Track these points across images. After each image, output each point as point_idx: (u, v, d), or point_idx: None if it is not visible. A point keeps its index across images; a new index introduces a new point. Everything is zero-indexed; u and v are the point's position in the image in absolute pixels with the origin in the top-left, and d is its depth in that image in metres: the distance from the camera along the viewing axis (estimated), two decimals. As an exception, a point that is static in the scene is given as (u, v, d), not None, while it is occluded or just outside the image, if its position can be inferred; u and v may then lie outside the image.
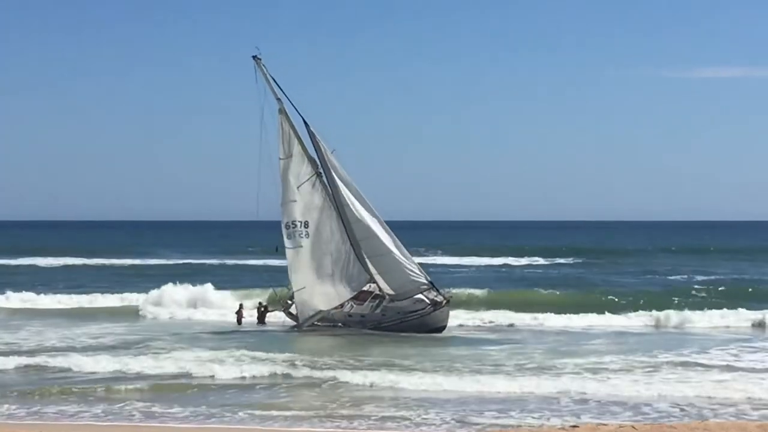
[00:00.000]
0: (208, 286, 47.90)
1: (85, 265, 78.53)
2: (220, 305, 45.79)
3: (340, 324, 38.69)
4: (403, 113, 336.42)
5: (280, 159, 38.99)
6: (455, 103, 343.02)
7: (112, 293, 50.04)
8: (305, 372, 27.05)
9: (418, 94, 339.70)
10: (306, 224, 38.91)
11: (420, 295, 38.19)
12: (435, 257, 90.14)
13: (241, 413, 22.18)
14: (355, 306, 38.83)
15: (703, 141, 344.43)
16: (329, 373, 26.54)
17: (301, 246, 38.84)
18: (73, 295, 50.09)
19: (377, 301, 38.49)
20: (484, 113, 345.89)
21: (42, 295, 49.88)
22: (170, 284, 48.16)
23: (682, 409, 22.31)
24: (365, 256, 38.64)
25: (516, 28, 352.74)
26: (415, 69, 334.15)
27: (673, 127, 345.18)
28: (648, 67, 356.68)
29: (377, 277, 38.51)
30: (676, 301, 45.03)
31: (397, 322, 37.72)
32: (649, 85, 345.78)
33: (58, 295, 50.04)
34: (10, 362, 28.73)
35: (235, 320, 41.55)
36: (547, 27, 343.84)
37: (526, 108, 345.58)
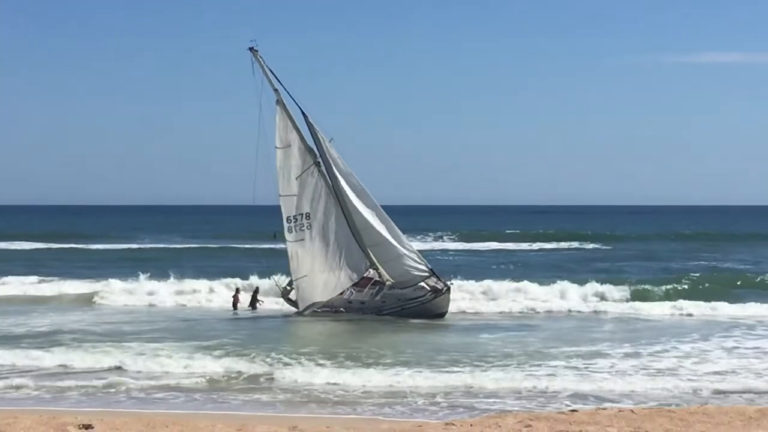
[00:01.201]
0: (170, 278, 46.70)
1: (63, 249, 77.16)
2: (187, 292, 44.85)
3: (342, 309, 38.70)
4: (404, 104, 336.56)
5: (276, 148, 38.98)
6: (454, 92, 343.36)
7: (82, 279, 48.97)
8: (288, 363, 26.50)
9: (418, 82, 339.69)
10: (308, 216, 38.95)
11: (420, 282, 38.23)
12: (448, 243, 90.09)
13: (237, 399, 22.25)
14: (355, 293, 38.87)
15: (703, 126, 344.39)
16: (313, 365, 26.10)
17: (303, 238, 38.87)
18: (40, 280, 48.98)
19: (377, 288, 38.55)
20: (483, 102, 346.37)
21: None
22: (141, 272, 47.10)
23: (678, 397, 22.21)
24: (366, 246, 38.68)
25: (514, 17, 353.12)
26: (414, 56, 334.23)
27: (672, 112, 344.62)
28: (647, 53, 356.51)
29: (379, 266, 38.54)
30: (690, 288, 44.80)
31: (398, 309, 37.81)
32: (649, 71, 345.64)
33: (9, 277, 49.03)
34: None
35: (231, 305, 41.42)
36: (546, 15, 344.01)
37: (525, 96, 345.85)
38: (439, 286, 38.18)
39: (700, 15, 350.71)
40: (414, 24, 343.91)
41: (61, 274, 52.10)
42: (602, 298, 43.26)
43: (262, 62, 38.92)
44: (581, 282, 46.08)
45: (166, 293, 44.79)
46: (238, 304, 41.49)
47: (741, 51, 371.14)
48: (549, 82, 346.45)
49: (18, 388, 23.59)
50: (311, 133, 39.09)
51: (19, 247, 79.97)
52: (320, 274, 38.79)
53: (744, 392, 22.66)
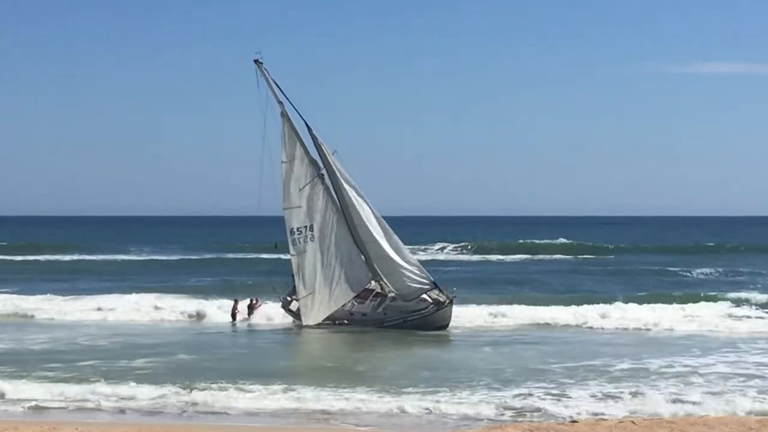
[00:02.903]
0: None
1: (69, 261, 75.84)
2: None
3: (345, 321, 38.65)
4: (401, 110, 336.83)
5: (282, 162, 39.08)
6: (453, 101, 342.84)
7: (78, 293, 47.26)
8: (287, 375, 26.10)
9: (416, 91, 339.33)
10: (311, 228, 38.99)
11: (423, 295, 38.25)
12: (459, 255, 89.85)
13: (236, 409, 22.20)
14: (357, 305, 38.87)
15: (704, 137, 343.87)
16: (313, 378, 25.79)
17: (306, 251, 38.86)
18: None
19: (378, 300, 38.57)
20: (480, 110, 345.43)
21: None
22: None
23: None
24: (370, 258, 38.72)
25: (512, 24, 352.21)
26: (414, 66, 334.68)
27: (672, 123, 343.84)
28: (647, 63, 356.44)
29: (383, 278, 38.60)
30: (694, 300, 43.95)
31: (400, 321, 37.84)
32: (648, 81, 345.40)
33: None
34: None
35: (230, 316, 40.94)
36: (544, 22, 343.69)
37: (523, 104, 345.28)
38: (442, 298, 38.21)
39: (702, 25, 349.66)
40: (415, 28, 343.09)
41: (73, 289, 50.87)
42: (609, 312, 42.78)
43: (267, 75, 39.08)
44: (591, 295, 45.80)
45: (165, 307, 43.66)
46: (237, 314, 41.20)
47: (743, 61, 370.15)
48: (547, 89, 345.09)
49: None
50: (315, 145, 39.17)
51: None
52: (323, 287, 38.78)
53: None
